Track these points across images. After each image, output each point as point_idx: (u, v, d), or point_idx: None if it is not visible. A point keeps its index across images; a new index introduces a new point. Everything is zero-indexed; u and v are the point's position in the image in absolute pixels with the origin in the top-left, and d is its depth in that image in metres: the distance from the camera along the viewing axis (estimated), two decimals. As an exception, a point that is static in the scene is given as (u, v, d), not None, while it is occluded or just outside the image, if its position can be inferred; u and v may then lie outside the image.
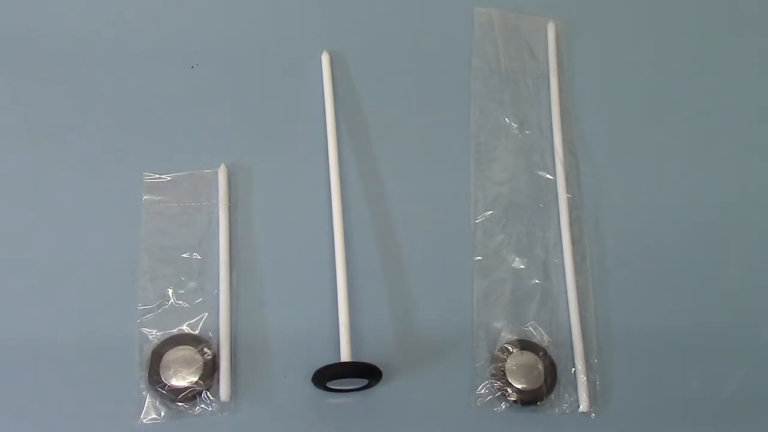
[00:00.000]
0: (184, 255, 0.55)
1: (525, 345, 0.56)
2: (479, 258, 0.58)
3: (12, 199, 0.56)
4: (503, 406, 0.54)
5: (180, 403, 0.51)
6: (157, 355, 0.52)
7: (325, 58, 0.62)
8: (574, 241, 0.59)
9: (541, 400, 0.54)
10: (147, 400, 0.51)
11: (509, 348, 0.55)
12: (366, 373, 0.51)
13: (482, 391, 0.54)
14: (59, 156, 0.58)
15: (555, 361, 0.55)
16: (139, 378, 0.51)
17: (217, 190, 0.57)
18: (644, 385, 0.56)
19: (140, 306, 0.53)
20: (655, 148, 0.65)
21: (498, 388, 0.54)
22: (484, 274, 0.58)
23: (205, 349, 0.52)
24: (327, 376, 0.50)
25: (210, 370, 0.51)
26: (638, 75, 0.67)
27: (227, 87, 0.62)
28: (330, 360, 0.51)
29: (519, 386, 0.54)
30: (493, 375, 0.54)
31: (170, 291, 0.54)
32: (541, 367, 0.55)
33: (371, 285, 0.57)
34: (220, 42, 0.63)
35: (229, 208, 0.57)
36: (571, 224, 0.60)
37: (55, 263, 0.55)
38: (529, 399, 0.54)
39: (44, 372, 0.51)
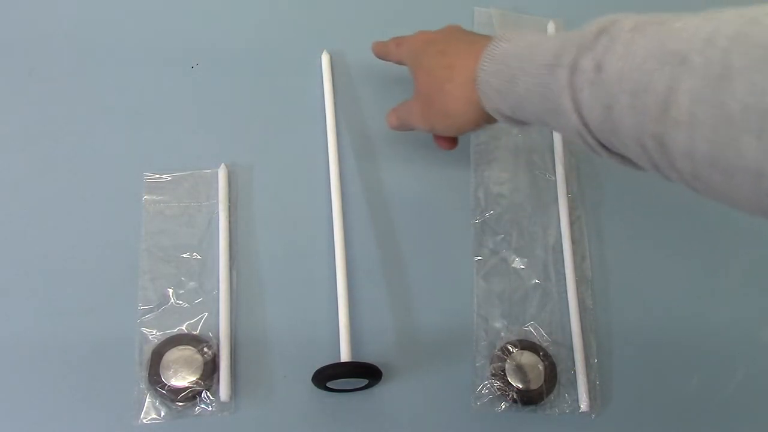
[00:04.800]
0: (184, 255, 0.55)
1: (525, 345, 0.56)
2: (479, 258, 0.59)
3: (12, 199, 0.56)
4: (503, 406, 0.54)
5: (180, 403, 0.51)
6: (157, 355, 0.52)
7: (325, 58, 0.62)
8: (574, 241, 0.60)
9: (541, 400, 0.54)
10: (147, 400, 0.51)
11: (509, 348, 0.55)
12: (366, 373, 0.51)
13: (482, 391, 0.54)
14: (59, 156, 0.58)
15: (555, 361, 0.55)
16: (139, 378, 0.51)
17: (217, 190, 0.57)
18: (644, 385, 0.56)
19: (140, 306, 0.53)
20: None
21: (498, 388, 0.54)
22: (484, 274, 0.58)
23: (205, 349, 0.52)
24: (327, 376, 0.50)
25: (210, 370, 0.51)
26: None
27: (227, 87, 0.62)
28: (330, 360, 0.51)
29: (519, 386, 0.54)
30: (493, 375, 0.54)
31: (170, 291, 0.54)
32: (541, 367, 0.55)
33: (371, 285, 0.57)
34: (220, 42, 0.63)
35: (229, 208, 0.57)
36: (571, 224, 0.60)
37: (55, 263, 0.54)
38: (529, 399, 0.54)
39: (44, 372, 0.51)
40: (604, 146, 0.40)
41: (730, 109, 0.31)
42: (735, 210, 0.35)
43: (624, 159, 0.40)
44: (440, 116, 0.52)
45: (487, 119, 0.50)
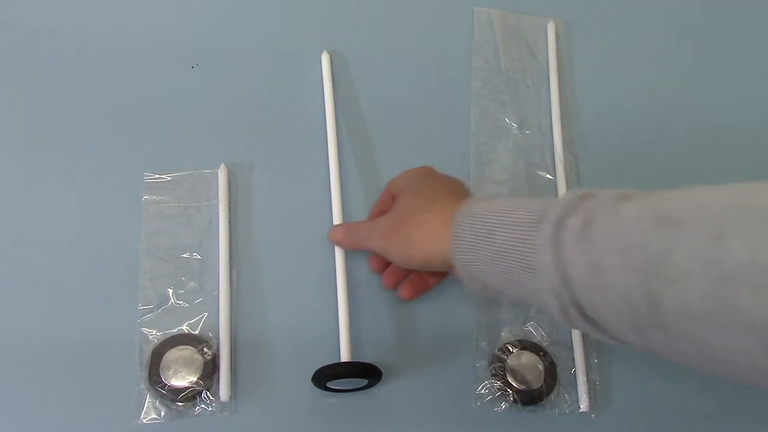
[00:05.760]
0: (184, 255, 0.55)
1: (525, 345, 0.56)
2: (479, 258, 0.58)
3: (12, 199, 0.56)
4: (503, 406, 0.54)
5: (180, 403, 0.51)
6: (157, 355, 0.52)
7: (325, 58, 0.62)
8: (574, 241, 0.59)
9: (541, 400, 0.54)
10: (147, 400, 0.51)
11: (509, 348, 0.55)
12: (366, 373, 0.51)
13: (482, 391, 0.54)
14: (59, 156, 0.58)
15: (555, 361, 0.55)
16: (139, 378, 0.51)
17: (217, 190, 0.57)
18: (644, 385, 0.56)
19: (140, 306, 0.53)
20: (655, 148, 0.65)
21: (498, 388, 0.54)
22: (484, 274, 0.58)
23: (205, 349, 0.52)
24: (327, 376, 0.51)
25: (210, 370, 0.51)
26: (638, 75, 0.67)
27: (227, 87, 0.62)
28: (330, 360, 0.51)
29: (519, 386, 0.54)
30: (493, 375, 0.54)
31: (170, 291, 0.54)
32: (541, 367, 0.55)
33: (371, 285, 0.57)
34: (220, 42, 0.63)
35: (229, 208, 0.57)
36: (571, 224, 0.60)
37: (56, 263, 0.54)
38: (529, 399, 0.54)
39: (44, 372, 0.51)
40: (578, 309, 0.39)
41: (726, 266, 0.31)
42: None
43: (596, 325, 0.39)
44: (401, 240, 0.49)
45: (442, 265, 0.48)
